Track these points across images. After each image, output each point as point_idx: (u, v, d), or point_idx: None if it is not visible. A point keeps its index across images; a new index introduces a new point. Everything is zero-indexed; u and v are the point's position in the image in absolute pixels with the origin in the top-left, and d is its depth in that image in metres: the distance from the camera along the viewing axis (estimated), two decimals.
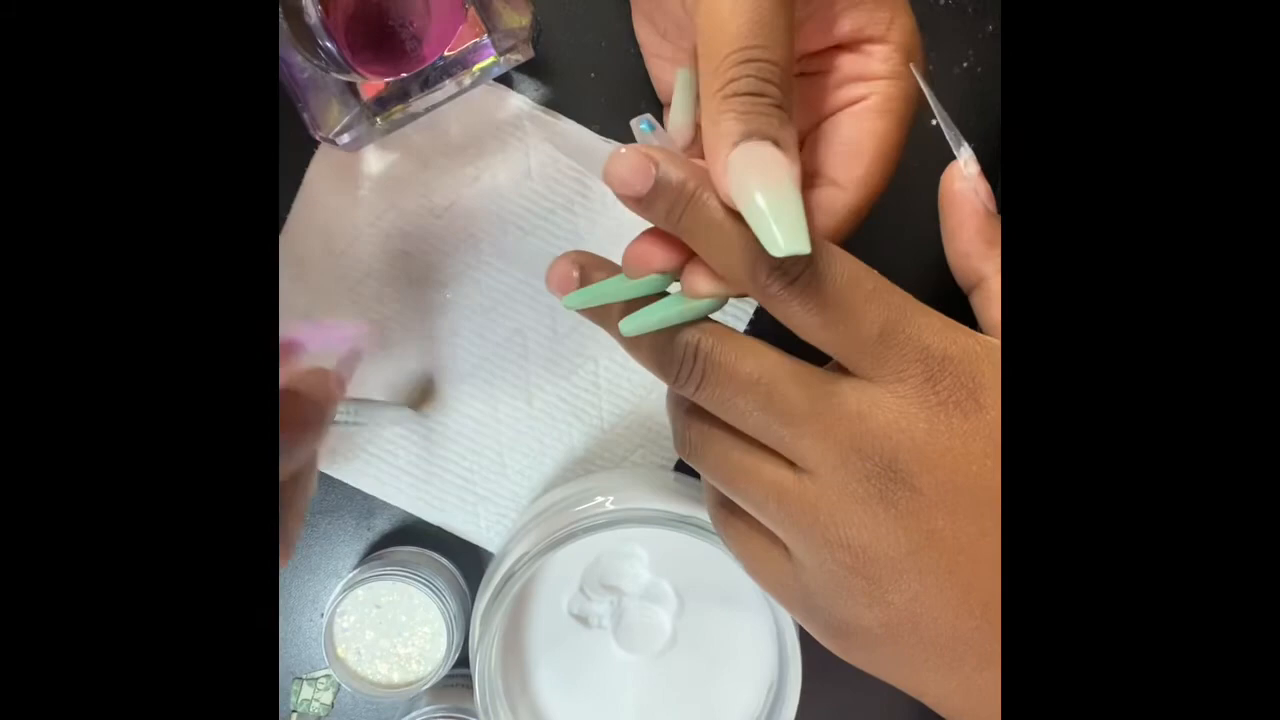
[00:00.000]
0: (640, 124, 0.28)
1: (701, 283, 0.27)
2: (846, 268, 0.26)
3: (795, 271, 0.26)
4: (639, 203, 0.27)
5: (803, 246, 0.24)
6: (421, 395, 0.33)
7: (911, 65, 0.31)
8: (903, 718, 0.47)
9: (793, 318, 0.27)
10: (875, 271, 0.27)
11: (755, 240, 0.25)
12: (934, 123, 0.43)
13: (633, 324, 0.28)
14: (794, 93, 0.27)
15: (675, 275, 0.28)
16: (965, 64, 0.42)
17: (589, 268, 0.29)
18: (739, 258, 0.26)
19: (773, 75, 0.26)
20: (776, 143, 0.25)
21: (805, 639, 0.38)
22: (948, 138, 0.29)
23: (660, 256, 0.28)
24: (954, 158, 0.29)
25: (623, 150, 0.26)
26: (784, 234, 0.24)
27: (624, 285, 0.28)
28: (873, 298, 0.26)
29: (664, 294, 0.29)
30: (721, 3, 0.26)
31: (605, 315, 0.30)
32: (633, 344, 0.29)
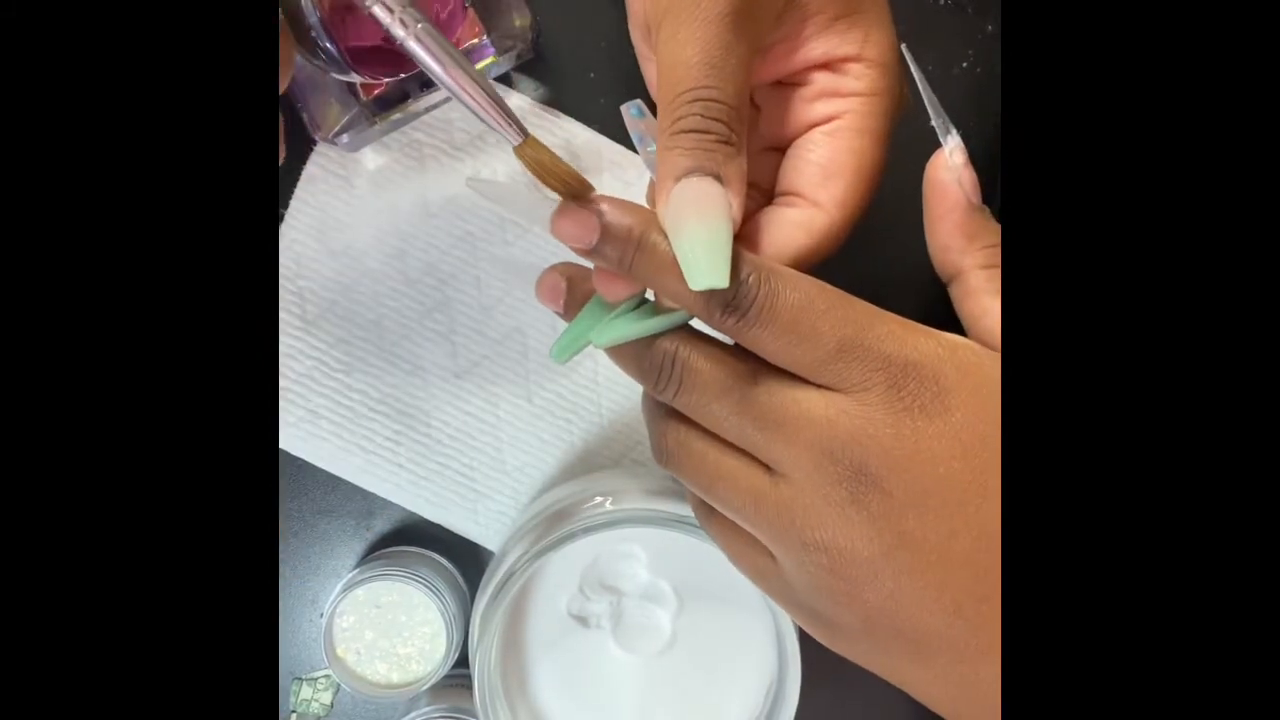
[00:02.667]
0: (630, 109, 0.29)
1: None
2: (798, 291, 0.27)
3: (745, 306, 0.27)
4: (590, 253, 0.28)
5: (720, 281, 0.26)
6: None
7: (903, 46, 0.31)
8: (903, 718, 0.47)
9: (753, 344, 0.27)
10: (829, 288, 0.27)
11: None
12: (931, 124, 0.43)
13: (604, 336, 0.29)
14: (745, 125, 0.28)
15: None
16: (965, 64, 0.42)
17: (576, 279, 0.30)
18: (690, 296, 0.27)
19: (720, 114, 0.27)
20: (719, 178, 0.27)
21: (805, 639, 0.38)
22: (935, 125, 0.29)
23: (624, 286, 0.29)
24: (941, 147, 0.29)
25: (567, 205, 0.27)
26: (703, 268, 0.26)
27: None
28: (826, 316, 0.27)
29: (643, 300, 0.29)
30: (674, 46, 0.27)
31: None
32: (614, 351, 0.30)
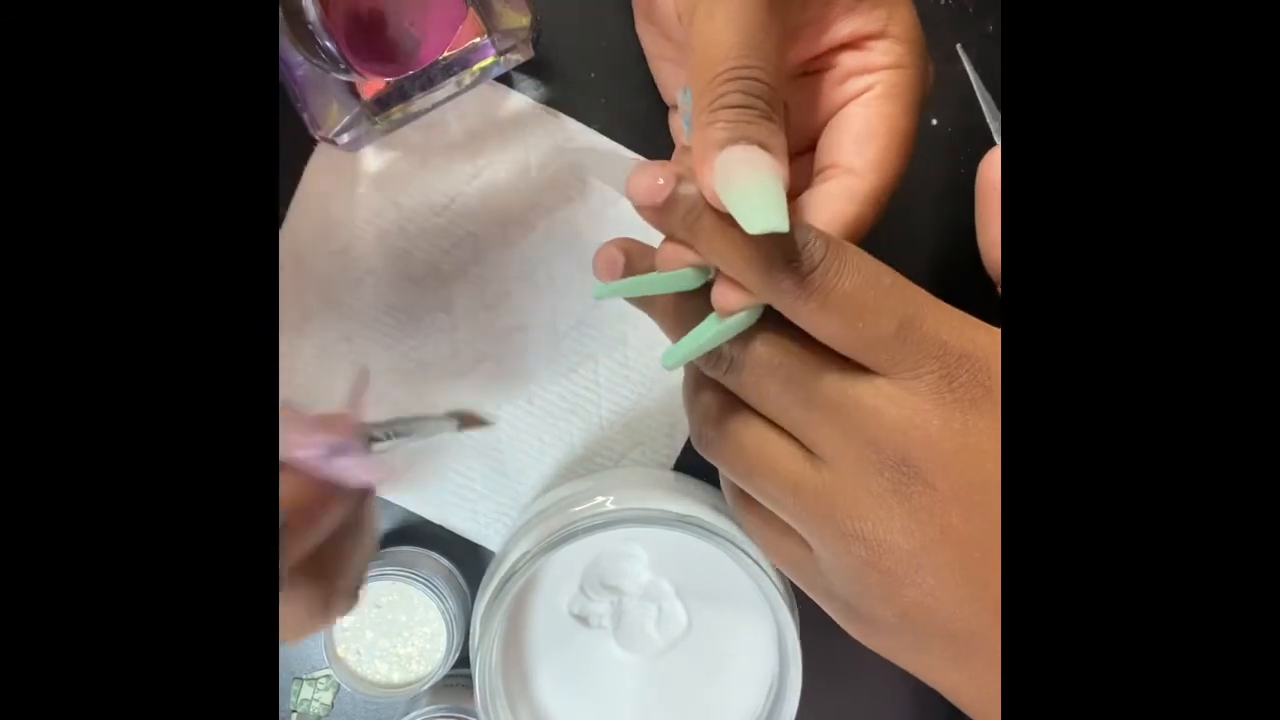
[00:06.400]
0: (686, 94, 0.29)
1: (731, 297, 0.27)
2: (862, 264, 0.26)
3: (809, 266, 0.26)
4: (657, 212, 0.27)
5: (778, 223, 0.24)
6: (467, 419, 0.34)
7: (959, 47, 0.31)
8: (904, 718, 0.47)
9: (809, 317, 0.27)
10: (891, 269, 0.27)
11: (765, 241, 0.25)
12: (934, 123, 0.43)
13: (675, 358, 0.28)
14: (782, 106, 0.27)
15: (709, 273, 0.28)
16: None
17: (634, 254, 0.30)
18: (752, 259, 0.26)
19: (761, 91, 0.26)
20: (764, 146, 0.26)
21: (806, 638, 0.38)
22: (989, 121, 0.29)
23: (692, 253, 0.28)
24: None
25: (644, 164, 0.27)
26: (758, 211, 0.24)
27: (659, 279, 0.29)
28: (890, 294, 0.26)
29: (698, 302, 0.29)
30: (711, 26, 0.27)
31: (651, 309, 0.30)
32: (672, 328, 0.30)
